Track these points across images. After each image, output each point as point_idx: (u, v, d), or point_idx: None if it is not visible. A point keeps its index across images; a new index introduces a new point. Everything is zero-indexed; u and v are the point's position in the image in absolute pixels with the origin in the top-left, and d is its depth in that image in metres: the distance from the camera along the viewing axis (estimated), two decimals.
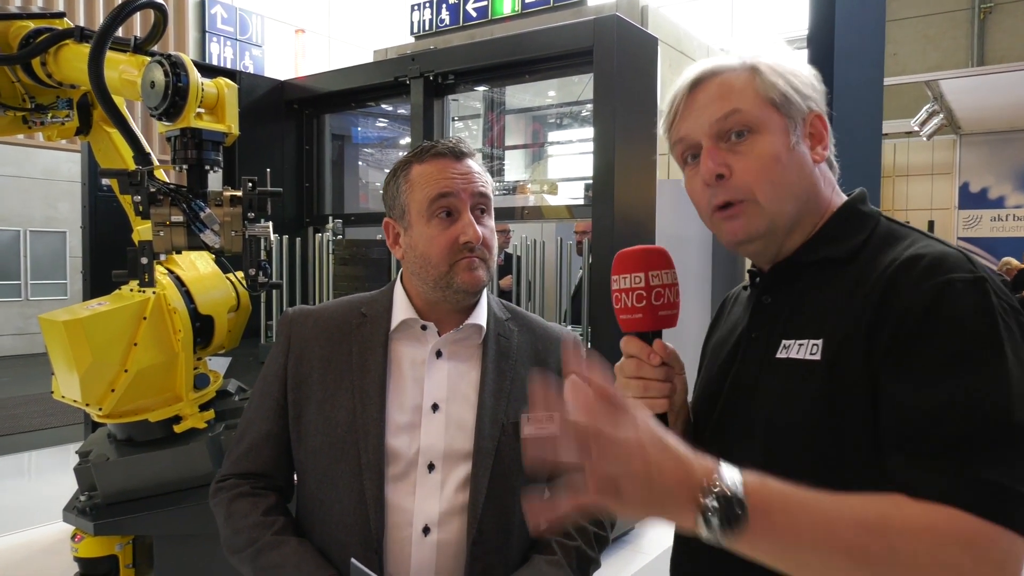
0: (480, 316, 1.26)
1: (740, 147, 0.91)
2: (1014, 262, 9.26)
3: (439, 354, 1.23)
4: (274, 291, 2.77)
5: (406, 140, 4.56)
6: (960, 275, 0.78)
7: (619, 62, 2.89)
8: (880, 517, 0.68)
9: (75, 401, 2.21)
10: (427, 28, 13.06)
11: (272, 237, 1.95)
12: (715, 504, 0.66)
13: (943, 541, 0.67)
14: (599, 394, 0.68)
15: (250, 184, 1.88)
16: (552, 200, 6.07)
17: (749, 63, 0.94)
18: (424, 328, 1.24)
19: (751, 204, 0.91)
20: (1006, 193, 11.89)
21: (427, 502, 1.17)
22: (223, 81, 1.94)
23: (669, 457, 0.68)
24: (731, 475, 0.68)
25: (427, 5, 13.19)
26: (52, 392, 2.33)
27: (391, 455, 1.17)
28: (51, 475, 5.74)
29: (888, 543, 0.66)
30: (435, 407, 1.20)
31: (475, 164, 1.24)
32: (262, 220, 1.93)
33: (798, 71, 0.94)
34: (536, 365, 1.28)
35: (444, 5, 13.13)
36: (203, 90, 1.86)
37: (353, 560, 1.08)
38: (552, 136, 12.75)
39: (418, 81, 3.44)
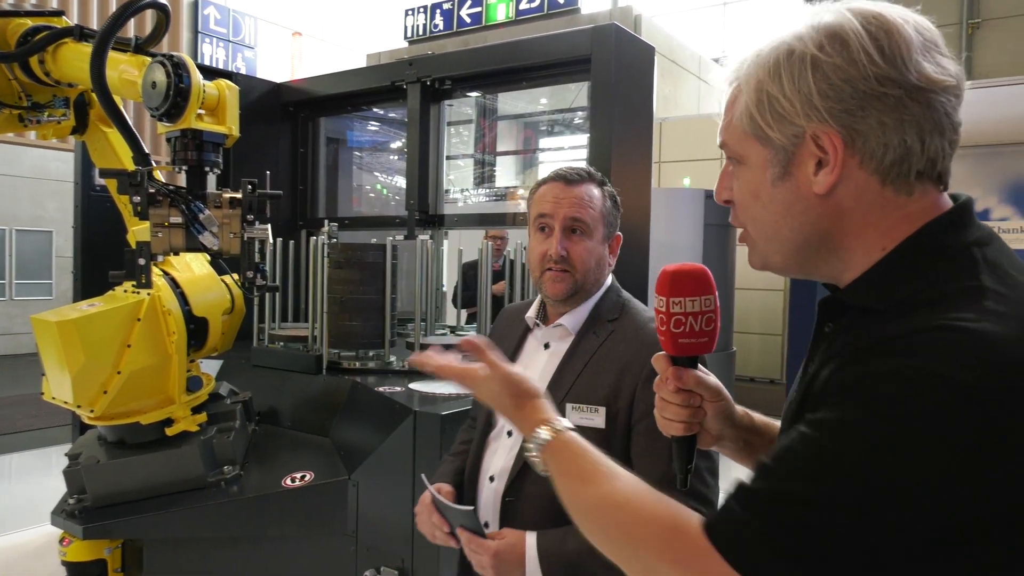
0: (571, 317, 1.50)
1: (736, 174, 0.85)
2: None
3: (547, 345, 1.53)
4: (268, 294, 2.75)
5: (397, 144, 4.56)
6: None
7: (617, 71, 2.90)
8: (632, 493, 0.82)
9: (66, 403, 2.19)
10: (421, 33, 13.09)
11: (271, 240, 1.95)
12: (537, 437, 0.94)
13: (667, 535, 0.75)
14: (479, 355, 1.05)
15: (250, 186, 1.87)
16: None
17: (734, 84, 0.83)
18: (537, 325, 1.56)
19: (748, 235, 0.86)
20: (992, 206, 12.00)
21: (495, 458, 1.49)
22: (224, 83, 1.94)
23: (516, 407, 1.01)
24: (556, 424, 0.95)
25: (421, 10, 13.22)
26: (42, 393, 2.30)
27: (494, 419, 1.52)
28: (38, 477, 5.68)
29: (622, 515, 0.81)
30: None
31: (588, 191, 1.47)
32: (260, 223, 1.92)
33: (789, 77, 0.76)
34: (616, 364, 1.43)
35: (438, 10, 13.17)
36: (205, 91, 1.85)
37: (422, 476, 1.51)
38: (544, 143, 12.75)
39: (415, 86, 3.44)
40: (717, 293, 0.92)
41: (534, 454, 0.94)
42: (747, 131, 0.81)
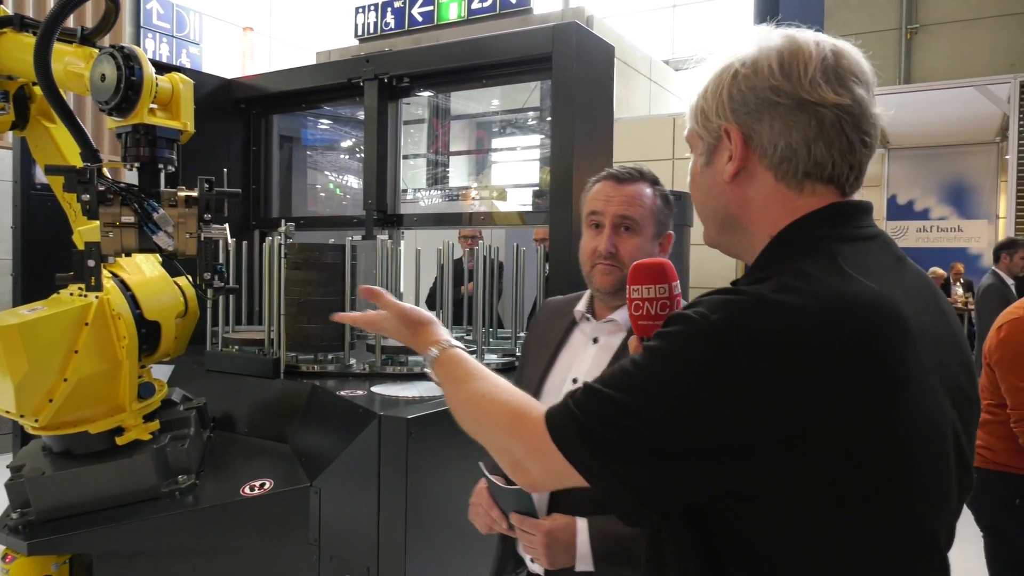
0: (624, 312, 1.46)
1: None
2: (939, 271, 9.67)
3: (595, 340, 1.56)
4: (221, 296, 2.66)
5: (351, 143, 4.48)
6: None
7: (578, 69, 2.89)
8: (493, 387, 1.01)
9: (8, 412, 2.07)
10: (372, 31, 12.94)
11: (230, 240, 1.87)
12: (429, 354, 1.14)
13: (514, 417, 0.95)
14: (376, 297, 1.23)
15: (207, 184, 1.80)
16: (501, 206, 6.06)
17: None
18: (588, 319, 1.58)
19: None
20: (931, 205, 12.44)
21: None
22: (178, 76, 1.85)
23: (413, 334, 1.20)
24: (444, 343, 1.14)
25: (372, 8, 13.07)
26: None
27: (542, 399, 1.50)
28: None
29: (484, 404, 1.00)
30: (575, 381, 1.52)
31: (638, 189, 1.53)
32: (217, 222, 1.85)
33: (716, 83, 0.93)
34: None
35: (389, 8, 13.04)
36: (157, 85, 1.77)
37: (480, 463, 1.50)
38: (496, 143, 12.76)
39: (372, 83, 3.37)
40: (675, 284, 1.05)
41: (428, 369, 1.15)
42: (691, 127, 0.98)
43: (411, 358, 2.87)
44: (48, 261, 2.22)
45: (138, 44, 13.23)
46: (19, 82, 2.22)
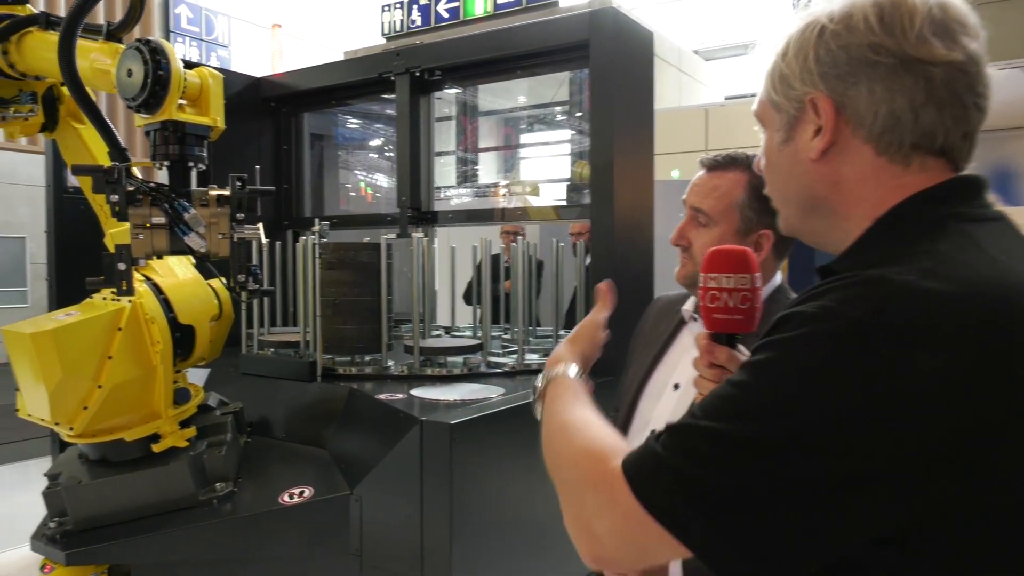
0: None
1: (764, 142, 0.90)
2: None
3: None
4: (256, 299, 2.59)
5: (381, 141, 4.42)
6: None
7: (616, 56, 2.78)
8: (583, 424, 0.87)
9: (43, 420, 2.03)
10: (398, 29, 12.91)
11: (263, 240, 1.80)
12: (541, 379, 1.03)
13: (587, 467, 0.78)
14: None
15: (239, 182, 1.72)
16: (535, 202, 5.96)
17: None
18: (695, 319, 1.46)
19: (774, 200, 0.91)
20: None
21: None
22: (207, 70, 1.78)
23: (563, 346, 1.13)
24: (561, 370, 1.03)
25: (398, 6, 13.04)
26: (17, 410, 2.14)
27: (636, 416, 1.47)
28: (16, 493, 5.46)
29: (568, 439, 0.85)
30: (676, 386, 1.42)
31: (721, 179, 1.40)
32: (250, 222, 1.77)
33: (799, 44, 0.79)
34: None
35: (415, 6, 12.99)
36: (186, 80, 1.70)
37: None
38: (525, 139, 12.64)
39: (403, 78, 3.30)
40: (758, 276, 0.94)
41: (533, 399, 1.03)
42: (764, 99, 0.85)
43: (450, 359, 2.78)
44: (81, 264, 2.18)
45: None
46: (47, 83, 2.18)
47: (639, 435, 1.42)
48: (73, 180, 2.96)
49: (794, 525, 0.64)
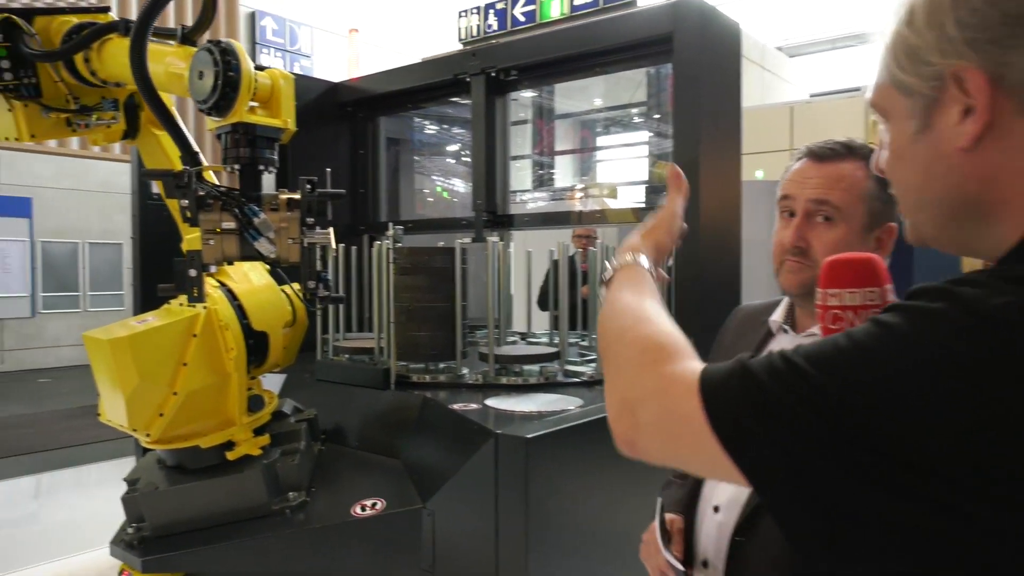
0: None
1: (886, 135, 0.75)
2: None
3: None
4: (327, 305, 2.56)
5: (456, 146, 4.37)
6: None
7: (702, 50, 2.63)
8: (655, 314, 0.81)
9: (121, 426, 2.03)
10: (475, 34, 12.97)
11: (334, 245, 1.74)
12: (616, 262, 0.95)
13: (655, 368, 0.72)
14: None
15: (309, 185, 1.67)
16: (613, 204, 5.82)
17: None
18: (785, 331, 1.31)
19: (901, 205, 0.76)
20: None
21: (721, 484, 1.23)
22: (278, 71, 1.74)
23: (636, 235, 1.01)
24: (632, 258, 0.94)
25: (474, 11, 13.10)
26: (99, 414, 2.16)
27: None
28: (107, 490, 5.67)
29: (635, 325, 0.79)
30: None
31: (843, 168, 1.23)
32: (321, 226, 1.72)
33: (930, 8, 0.64)
34: None
35: (491, 10, 13.03)
36: (256, 81, 1.66)
37: (658, 498, 1.32)
38: (600, 142, 12.47)
39: (479, 78, 3.22)
40: (889, 287, 0.81)
41: (606, 277, 0.95)
42: (886, 82, 0.71)
43: (526, 368, 2.69)
44: (164, 270, 2.19)
45: (253, 60, 13.80)
46: (128, 90, 2.19)
47: None
48: (156, 187, 3.02)
49: (860, 496, 0.57)
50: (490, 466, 1.92)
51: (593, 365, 2.76)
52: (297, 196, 1.72)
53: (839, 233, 1.21)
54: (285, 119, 1.73)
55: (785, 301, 1.37)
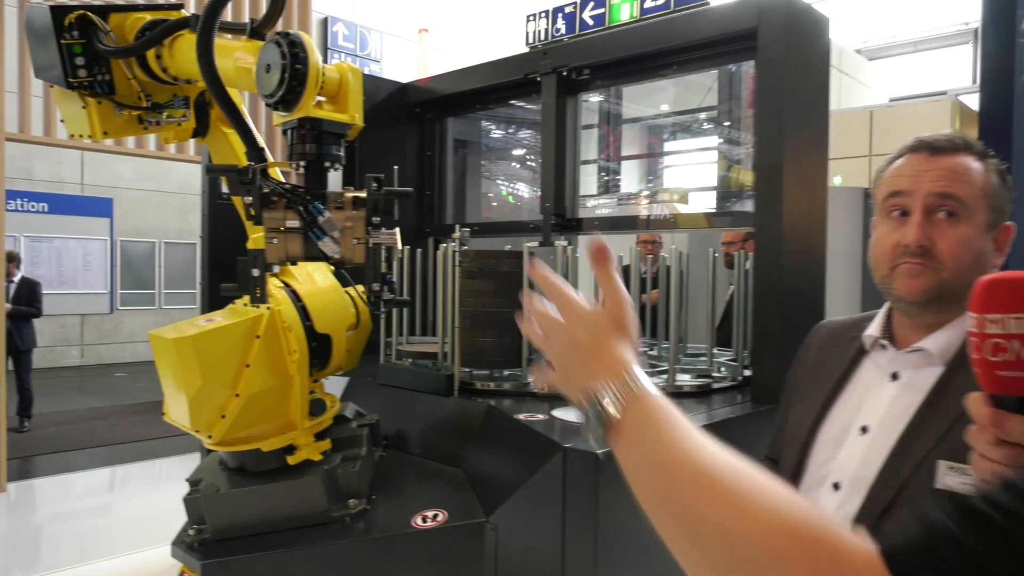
0: (939, 339, 1.11)
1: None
2: None
3: (895, 376, 1.16)
4: (391, 309, 2.50)
5: (522, 150, 4.28)
6: None
7: (788, 46, 2.47)
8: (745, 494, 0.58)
9: (184, 426, 2.01)
10: (543, 38, 12.90)
11: (400, 247, 1.67)
12: (600, 394, 0.69)
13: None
14: (549, 288, 0.77)
15: (375, 183, 1.61)
16: (683, 210, 5.65)
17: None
18: (883, 346, 1.19)
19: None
20: None
21: (837, 466, 1.15)
22: (346, 65, 1.68)
23: (594, 341, 0.73)
24: (631, 384, 0.68)
25: (543, 15, 13.04)
26: (163, 413, 2.14)
27: (809, 466, 1.21)
28: (175, 485, 5.77)
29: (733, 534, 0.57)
30: (864, 429, 1.16)
31: (963, 162, 1.11)
32: (387, 226, 1.65)
33: None
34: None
35: (560, 14, 12.95)
36: (323, 75, 1.60)
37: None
38: (670, 146, 12.25)
39: (550, 78, 3.13)
40: None
41: (597, 411, 0.69)
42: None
43: None
44: (230, 270, 2.16)
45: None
46: (198, 88, 2.18)
47: (816, 489, 1.18)
48: (224, 185, 3.03)
49: None
50: (557, 481, 1.82)
51: (664, 376, 2.63)
52: (363, 194, 1.65)
53: (964, 231, 1.09)
54: (352, 114, 1.67)
55: (881, 313, 1.23)
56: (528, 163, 4.26)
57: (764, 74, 2.51)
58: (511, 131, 4.16)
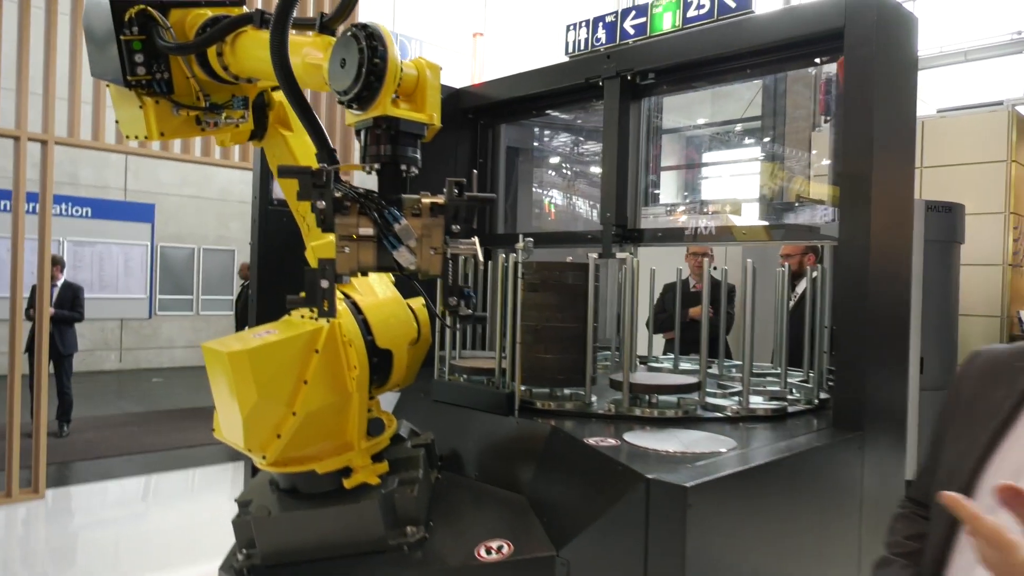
0: None
1: None
2: None
3: None
4: (467, 325, 2.36)
5: (577, 157, 4.15)
6: None
7: (878, 45, 2.31)
8: None
9: (237, 445, 1.89)
10: (582, 48, 12.78)
11: (480, 257, 1.54)
12: None
13: None
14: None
15: (456, 188, 1.48)
16: (736, 220, 5.47)
17: None
18: None
19: None
20: None
21: (975, 572, 0.98)
22: (424, 61, 1.56)
23: None
24: None
25: (583, 25, 12.92)
26: (213, 429, 2.03)
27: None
28: (216, 495, 5.71)
29: None
30: None
31: None
32: (464, 235, 1.52)
33: None
34: None
35: (600, 24, 12.81)
36: (402, 71, 1.48)
37: None
38: (716, 157, 12.04)
39: (613, 82, 3.00)
40: None
41: None
42: None
43: (661, 398, 2.42)
44: (282, 278, 2.05)
45: None
46: (258, 88, 2.08)
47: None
48: (279, 192, 2.93)
49: None
50: (640, 515, 1.67)
51: (736, 399, 2.47)
52: (441, 200, 1.52)
53: None
54: (431, 113, 1.54)
55: None
56: (582, 173, 4.12)
57: (852, 75, 2.34)
58: (568, 138, 4.02)
